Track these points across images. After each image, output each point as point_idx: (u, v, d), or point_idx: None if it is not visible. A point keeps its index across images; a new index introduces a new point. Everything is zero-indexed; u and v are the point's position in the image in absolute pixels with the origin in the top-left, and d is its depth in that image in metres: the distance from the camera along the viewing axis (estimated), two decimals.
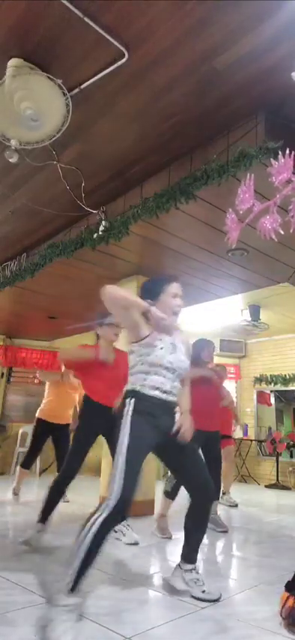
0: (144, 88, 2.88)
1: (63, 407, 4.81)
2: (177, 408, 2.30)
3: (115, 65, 2.66)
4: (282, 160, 1.72)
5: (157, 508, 3.97)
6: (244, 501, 6.04)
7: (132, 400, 2.13)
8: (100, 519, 1.88)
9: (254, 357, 9.02)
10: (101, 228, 4.03)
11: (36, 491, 5.70)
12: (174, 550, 3.23)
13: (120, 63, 2.64)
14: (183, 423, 2.22)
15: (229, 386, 8.99)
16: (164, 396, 2.16)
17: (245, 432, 8.73)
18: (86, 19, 2.39)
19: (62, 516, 4.01)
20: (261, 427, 8.82)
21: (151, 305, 2.16)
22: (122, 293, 2.14)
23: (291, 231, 1.77)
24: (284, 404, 8.88)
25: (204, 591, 2.27)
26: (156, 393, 2.14)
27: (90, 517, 1.91)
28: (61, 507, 4.65)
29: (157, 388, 2.15)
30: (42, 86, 2.69)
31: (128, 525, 3.47)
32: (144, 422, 2.09)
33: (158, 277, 2.42)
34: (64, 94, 2.75)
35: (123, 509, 1.96)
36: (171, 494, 3.72)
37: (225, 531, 3.99)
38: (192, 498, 2.34)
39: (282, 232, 1.78)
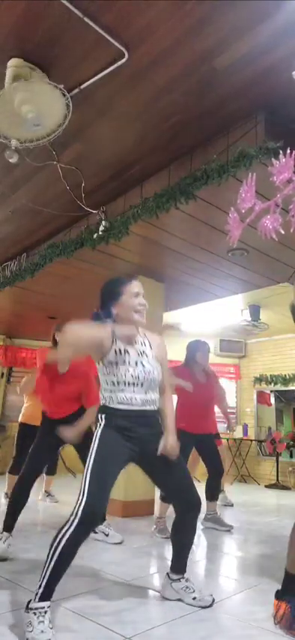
0: (144, 88, 2.88)
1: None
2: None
3: (115, 65, 2.65)
4: (283, 160, 1.72)
5: (157, 508, 3.96)
6: (244, 501, 6.04)
7: (104, 416, 2.09)
8: (68, 534, 1.84)
9: (254, 357, 9.02)
10: (101, 228, 4.03)
11: (35, 491, 5.69)
12: None
13: (120, 63, 2.64)
14: (167, 443, 2.13)
15: (229, 386, 9.03)
16: (136, 408, 2.09)
17: (245, 432, 8.73)
18: (86, 19, 2.39)
19: (64, 516, 4.01)
20: (261, 427, 8.82)
21: (111, 318, 2.12)
22: (86, 333, 2.05)
23: (291, 230, 1.77)
24: (284, 404, 8.88)
25: (194, 598, 2.22)
26: (126, 407, 2.07)
27: (59, 530, 1.87)
28: (61, 507, 4.66)
29: (127, 403, 2.08)
30: (42, 88, 2.69)
31: (109, 525, 3.45)
32: (115, 437, 2.04)
33: (116, 278, 2.30)
34: (64, 95, 2.74)
35: (90, 525, 1.92)
36: (167, 498, 3.72)
37: (229, 530, 3.99)
38: (177, 509, 2.26)
39: (283, 232, 1.78)
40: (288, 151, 1.78)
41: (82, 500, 1.88)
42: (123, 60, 2.61)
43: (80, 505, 1.88)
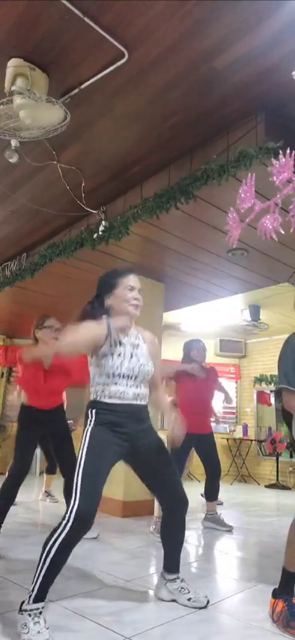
0: (144, 88, 2.88)
1: None
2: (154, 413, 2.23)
3: (115, 65, 2.65)
4: (283, 160, 1.72)
5: (156, 507, 3.96)
6: (244, 501, 6.03)
7: (94, 411, 2.06)
8: (61, 538, 1.81)
9: (254, 357, 9.02)
10: (101, 228, 4.03)
11: (36, 491, 5.71)
12: None
13: (120, 63, 2.63)
14: (173, 425, 2.14)
15: (229, 386, 9.02)
16: (127, 402, 2.08)
17: (245, 432, 8.73)
18: (86, 19, 2.39)
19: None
20: (261, 427, 8.82)
21: (104, 312, 2.13)
22: (82, 335, 2.04)
23: (291, 231, 1.77)
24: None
25: (189, 599, 2.20)
26: (118, 401, 2.07)
27: (52, 534, 1.85)
28: (61, 507, 4.65)
29: (118, 397, 2.07)
30: (42, 103, 2.69)
31: None
32: (105, 435, 2.02)
33: (113, 270, 2.29)
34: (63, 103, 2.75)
35: (83, 527, 1.87)
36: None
37: (229, 530, 3.99)
38: (166, 510, 2.25)
39: (283, 232, 1.78)
40: (288, 151, 1.78)
41: (75, 504, 1.86)
42: (123, 60, 2.61)
43: (73, 509, 1.85)
